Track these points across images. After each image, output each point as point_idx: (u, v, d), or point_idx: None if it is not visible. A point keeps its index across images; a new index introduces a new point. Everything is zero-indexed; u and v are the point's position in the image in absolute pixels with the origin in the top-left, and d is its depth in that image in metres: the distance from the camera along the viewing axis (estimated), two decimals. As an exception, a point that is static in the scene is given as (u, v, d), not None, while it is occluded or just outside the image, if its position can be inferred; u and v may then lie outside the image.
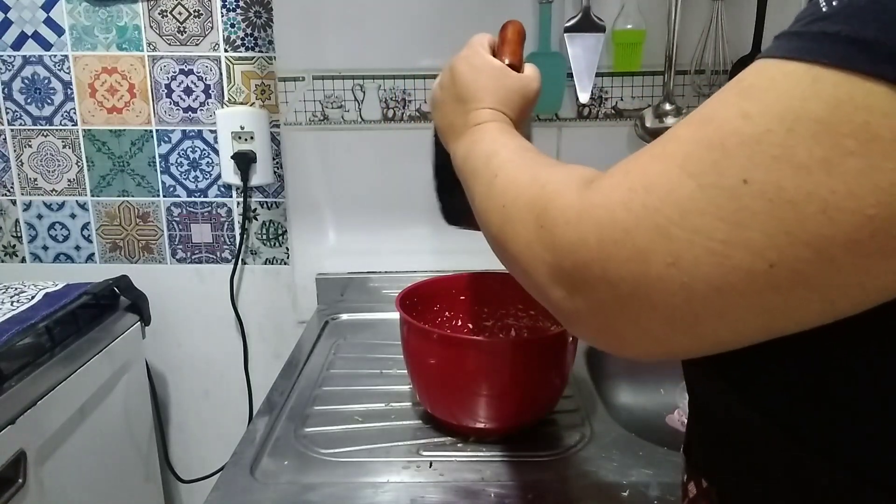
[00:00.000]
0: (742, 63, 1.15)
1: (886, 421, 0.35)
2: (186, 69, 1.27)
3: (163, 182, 1.32)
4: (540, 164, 0.52)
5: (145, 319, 1.27)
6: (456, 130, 0.68)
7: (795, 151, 0.31)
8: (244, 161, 1.27)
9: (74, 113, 1.29)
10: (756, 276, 0.32)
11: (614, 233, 0.36)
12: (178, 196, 1.32)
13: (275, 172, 1.30)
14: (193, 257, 1.35)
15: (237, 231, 1.33)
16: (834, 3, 0.32)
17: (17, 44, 1.26)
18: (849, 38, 0.31)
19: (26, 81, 1.28)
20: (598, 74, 1.16)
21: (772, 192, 0.31)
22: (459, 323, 0.98)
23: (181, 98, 1.28)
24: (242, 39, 1.25)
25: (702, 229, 0.33)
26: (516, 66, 0.71)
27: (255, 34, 1.25)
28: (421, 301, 0.93)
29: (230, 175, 1.29)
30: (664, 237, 0.34)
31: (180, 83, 1.27)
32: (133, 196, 1.33)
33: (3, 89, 1.28)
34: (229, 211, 1.33)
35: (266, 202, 1.32)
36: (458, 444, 0.83)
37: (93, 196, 1.33)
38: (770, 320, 0.34)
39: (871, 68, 0.30)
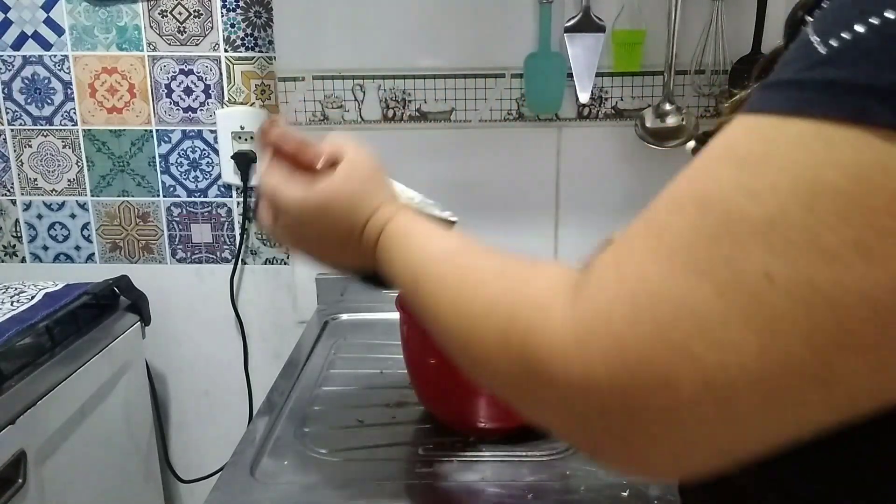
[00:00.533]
0: (742, 63, 1.15)
1: None
2: (186, 69, 1.27)
3: (163, 182, 1.32)
4: (491, 272, 0.42)
5: (145, 319, 1.27)
6: (355, 260, 0.58)
7: (820, 235, 0.26)
8: (244, 161, 1.27)
9: (74, 113, 1.29)
10: (801, 390, 0.27)
11: (627, 361, 0.30)
12: (178, 196, 1.32)
13: (275, 172, 1.30)
14: (193, 257, 1.35)
15: (237, 231, 1.33)
16: (834, 43, 0.27)
17: (17, 44, 1.26)
18: (864, 86, 0.26)
19: (26, 81, 1.28)
20: (598, 74, 1.16)
21: (803, 290, 0.26)
22: None
23: (181, 98, 1.28)
24: (242, 39, 1.25)
25: (729, 344, 0.28)
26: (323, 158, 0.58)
27: (255, 34, 1.25)
28: None
29: (230, 175, 1.29)
30: (687, 358, 0.29)
31: (180, 83, 1.27)
32: (133, 196, 1.33)
33: (3, 89, 1.28)
34: (229, 211, 1.33)
35: (266, 202, 1.32)
36: (458, 444, 0.83)
37: (93, 196, 1.33)
38: (815, 428, 0.29)
39: None
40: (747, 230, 0.27)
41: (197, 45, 1.25)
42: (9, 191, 1.33)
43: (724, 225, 0.28)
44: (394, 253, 0.53)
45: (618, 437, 0.32)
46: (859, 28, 0.26)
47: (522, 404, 0.37)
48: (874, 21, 0.26)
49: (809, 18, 0.31)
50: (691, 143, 0.45)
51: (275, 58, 1.24)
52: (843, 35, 0.27)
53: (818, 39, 0.28)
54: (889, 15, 0.26)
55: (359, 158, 0.60)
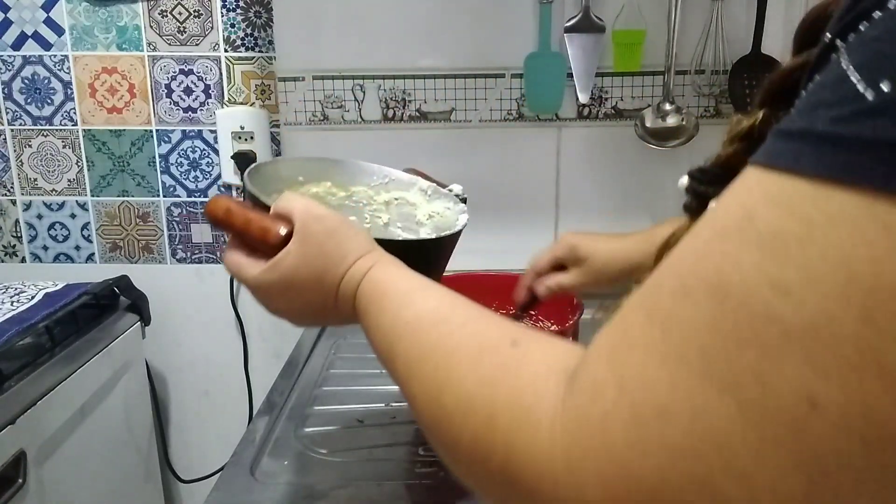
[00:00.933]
0: (742, 63, 1.15)
1: None
2: (186, 69, 1.27)
3: (163, 182, 1.32)
4: (468, 354, 0.36)
5: (145, 319, 1.27)
6: (342, 321, 0.54)
7: (882, 352, 0.20)
8: (244, 161, 1.27)
9: (74, 113, 1.29)
10: None
11: (631, 493, 0.24)
12: (178, 196, 1.32)
13: (275, 172, 1.30)
14: (193, 257, 1.35)
15: (237, 231, 1.33)
16: (886, 88, 0.21)
17: (17, 44, 1.26)
18: None
19: (26, 81, 1.28)
20: (598, 74, 1.16)
21: (858, 422, 0.20)
22: None
23: (181, 98, 1.28)
24: (242, 39, 1.25)
25: (760, 481, 0.22)
26: (281, 223, 0.53)
27: (255, 34, 1.25)
28: None
29: (230, 175, 1.29)
30: (707, 492, 0.23)
31: (180, 83, 1.27)
32: (133, 196, 1.33)
33: (3, 89, 1.28)
34: (229, 211, 1.33)
35: (266, 202, 1.32)
36: (458, 444, 0.83)
37: (93, 196, 1.33)
38: None
39: None
40: (780, 337, 0.21)
41: (197, 45, 1.25)
42: (9, 191, 1.33)
43: (749, 326, 0.22)
44: (369, 319, 0.48)
45: None
46: None
47: None
48: None
49: (841, 43, 0.23)
50: (683, 180, 0.38)
51: (275, 58, 1.24)
52: None
53: (862, 79, 0.21)
54: None
55: (309, 220, 0.52)
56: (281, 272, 0.51)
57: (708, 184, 0.35)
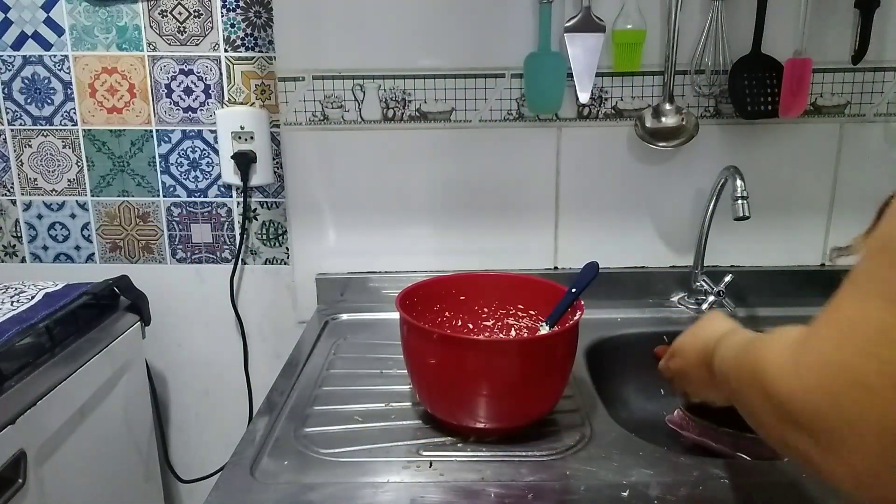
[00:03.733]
0: (742, 63, 1.15)
1: None
2: (186, 69, 1.27)
3: (163, 182, 1.32)
4: (752, 339, 0.52)
5: (145, 319, 1.27)
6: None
7: None
8: (244, 161, 1.27)
9: (74, 113, 1.29)
10: None
11: (836, 374, 0.36)
12: (178, 196, 1.32)
13: (275, 172, 1.30)
14: (193, 257, 1.35)
15: (237, 231, 1.33)
16: None
17: (17, 44, 1.26)
18: None
19: (26, 81, 1.28)
20: (598, 74, 1.16)
21: None
22: (459, 323, 0.98)
23: (181, 98, 1.28)
24: (242, 39, 1.25)
25: None
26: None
27: (255, 34, 1.25)
28: (421, 301, 0.93)
29: (230, 175, 1.29)
30: (890, 367, 0.34)
31: (180, 83, 1.27)
32: (133, 196, 1.33)
33: (3, 89, 1.28)
34: (229, 211, 1.33)
35: (266, 202, 1.32)
36: (458, 444, 0.83)
37: (93, 196, 1.33)
38: None
39: None
40: None
41: (197, 45, 1.25)
42: (9, 191, 1.33)
43: None
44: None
45: (823, 441, 0.37)
46: None
47: (773, 432, 0.44)
48: None
49: None
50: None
51: (275, 58, 1.24)
52: None
53: None
54: None
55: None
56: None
57: None
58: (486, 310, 0.98)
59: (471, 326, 0.98)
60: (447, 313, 0.98)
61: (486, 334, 0.98)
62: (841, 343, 0.36)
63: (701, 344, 0.72)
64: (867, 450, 0.35)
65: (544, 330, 0.89)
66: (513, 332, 0.97)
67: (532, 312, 0.96)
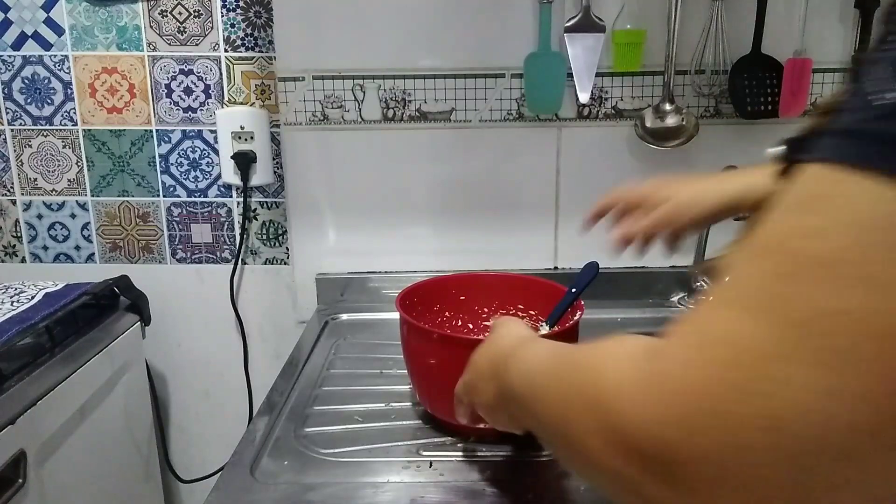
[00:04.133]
0: (742, 63, 1.15)
1: None
2: (186, 69, 1.27)
3: (163, 182, 1.32)
4: (574, 350, 0.44)
5: (145, 319, 1.27)
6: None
7: (890, 273, 0.26)
8: (244, 161, 1.27)
9: (74, 113, 1.29)
10: (871, 433, 0.26)
11: (689, 402, 0.30)
12: (178, 196, 1.32)
13: (275, 172, 1.30)
14: (193, 257, 1.35)
15: (237, 231, 1.33)
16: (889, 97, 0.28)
17: (17, 44, 1.26)
18: None
19: (26, 81, 1.28)
20: (598, 74, 1.16)
21: (874, 324, 0.26)
22: (459, 323, 0.98)
23: (181, 98, 1.28)
24: (242, 39, 1.25)
25: (793, 380, 0.27)
26: None
27: (255, 34, 1.25)
28: (421, 301, 0.93)
29: (230, 175, 1.29)
30: (750, 395, 0.28)
31: (180, 83, 1.27)
32: (133, 196, 1.33)
33: (3, 89, 1.28)
34: (229, 211, 1.33)
35: (266, 202, 1.32)
36: (458, 444, 0.83)
37: (93, 196, 1.33)
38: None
39: None
40: (809, 265, 0.28)
41: (197, 45, 1.25)
42: (9, 191, 1.33)
43: (786, 264, 0.29)
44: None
45: (688, 492, 0.30)
46: None
47: (601, 460, 0.35)
48: None
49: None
50: (775, 149, 0.48)
51: (275, 58, 1.24)
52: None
53: (875, 88, 0.28)
54: None
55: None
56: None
57: (800, 151, 0.39)
58: (486, 310, 0.98)
59: (471, 326, 0.98)
60: (447, 313, 0.98)
61: (486, 334, 0.97)
62: (702, 363, 0.30)
63: (492, 353, 0.61)
64: (730, 496, 0.29)
65: (544, 330, 0.89)
66: None
67: (532, 312, 0.96)
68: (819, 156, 0.30)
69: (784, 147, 0.46)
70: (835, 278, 0.27)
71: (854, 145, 0.29)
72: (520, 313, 0.97)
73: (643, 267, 1.26)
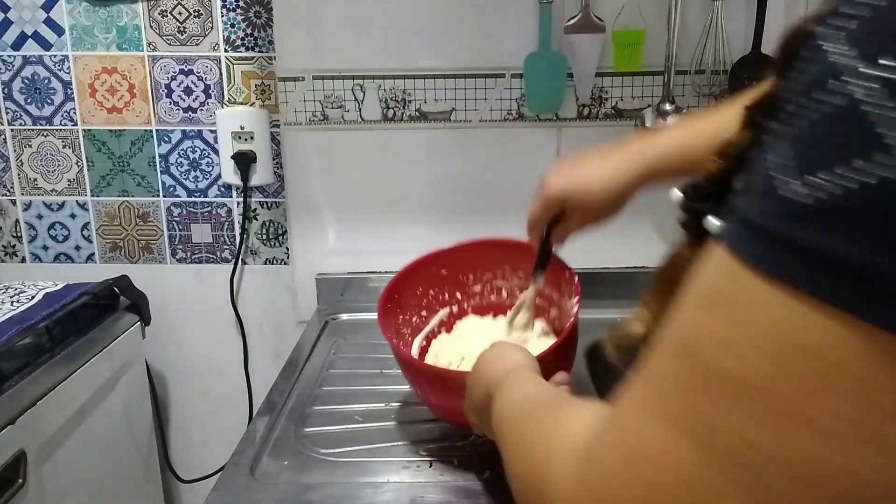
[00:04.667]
0: (742, 63, 1.15)
1: None
2: (186, 69, 1.27)
3: (163, 182, 1.32)
4: (540, 410, 0.45)
5: (145, 319, 1.27)
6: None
7: (807, 409, 0.24)
8: (244, 161, 1.27)
9: (74, 113, 1.29)
10: None
11: None
12: (178, 196, 1.32)
13: (275, 172, 1.30)
14: (193, 257, 1.35)
15: (237, 231, 1.33)
16: (807, 192, 0.24)
17: (17, 44, 1.26)
18: (855, 272, 0.23)
19: (26, 81, 1.28)
20: (598, 74, 1.16)
21: (796, 466, 0.25)
22: (447, 296, 0.98)
23: (181, 98, 1.28)
24: (242, 39, 1.25)
25: None
26: None
27: (255, 34, 1.25)
28: (402, 296, 0.93)
29: (230, 175, 1.29)
30: None
31: (180, 83, 1.27)
32: (133, 196, 1.33)
33: (3, 89, 1.28)
34: (229, 211, 1.33)
35: (266, 202, 1.32)
36: (458, 444, 0.83)
37: (93, 196, 1.33)
38: None
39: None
40: (722, 386, 0.26)
41: (197, 45, 1.25)
42: (9, 191, 1.33)
43: (700, 378, 0.27)
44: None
45: None
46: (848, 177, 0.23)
47: None
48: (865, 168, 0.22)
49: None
50: (675, 194, 0.42)
51: (275, 58, 1.24)
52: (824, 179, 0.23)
53: (792, 177, 0.24)
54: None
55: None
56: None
57: (700, 200, 0.39)
58: (470, 276, 0.98)
59: (458, 297, 0.98)
60: (431, 292, 0.97)
61: (477, 298, 0.97)
62: (628, 480, 0.29)
63: (492, 372, 0.61)
64: None
65: (535, 283, 0.88)
66: (504, 293, 0.97)
67: (520, 273, 0.96)
68: (728, 243, 0.27)
69: (683, 194, 0.42)
70: (753, 408, 0.25)
71: (763, 245, 0.25)
72: (507, 274, 0.97)
73: (643, 267, 1.26)
